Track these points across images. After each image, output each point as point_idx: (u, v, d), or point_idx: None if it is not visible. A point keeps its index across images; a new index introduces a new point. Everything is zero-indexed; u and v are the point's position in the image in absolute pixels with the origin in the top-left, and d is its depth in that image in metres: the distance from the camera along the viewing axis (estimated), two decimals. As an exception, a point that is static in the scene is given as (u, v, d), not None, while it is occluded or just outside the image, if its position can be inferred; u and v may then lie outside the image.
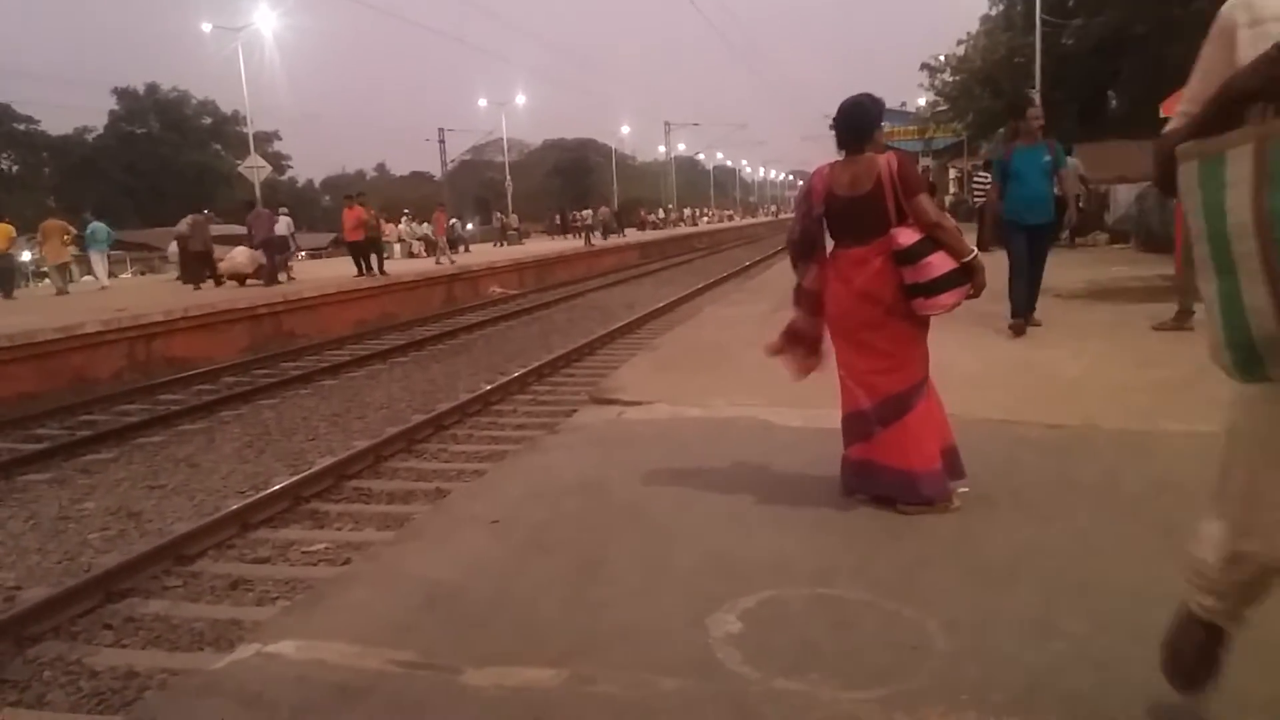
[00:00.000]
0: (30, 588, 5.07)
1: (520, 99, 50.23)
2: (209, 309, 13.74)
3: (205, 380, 11.64)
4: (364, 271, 18.91)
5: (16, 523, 6.25)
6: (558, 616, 2.67)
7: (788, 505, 3.56)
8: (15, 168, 59.22)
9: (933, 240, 3.26)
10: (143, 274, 28.40)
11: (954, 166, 38.47)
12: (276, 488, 6.35)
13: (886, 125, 3.93)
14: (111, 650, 4.28)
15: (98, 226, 20.15)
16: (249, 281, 17.92)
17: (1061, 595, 2.68)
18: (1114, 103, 29.26)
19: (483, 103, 50.72)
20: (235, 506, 5.99)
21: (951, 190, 35.63)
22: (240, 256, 18.16)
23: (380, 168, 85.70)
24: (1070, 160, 15.63)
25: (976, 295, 3.34)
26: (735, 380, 6.10)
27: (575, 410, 6.03)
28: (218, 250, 19.90)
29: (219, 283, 18.18)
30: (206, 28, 28.71)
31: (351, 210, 19.08)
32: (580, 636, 2.53)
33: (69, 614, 4.60)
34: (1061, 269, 9.52)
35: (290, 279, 18.57)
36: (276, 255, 18.01)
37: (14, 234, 19.66)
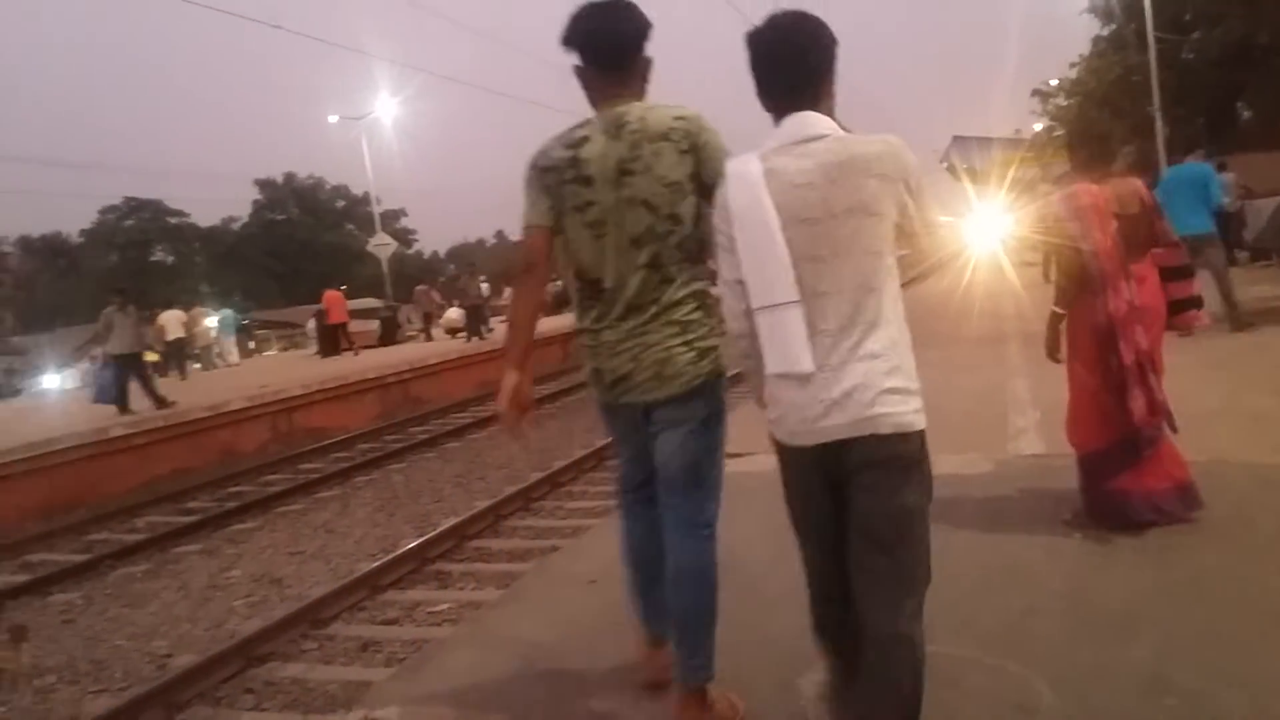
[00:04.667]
0: (180, 655, 5.45)
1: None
2: (341, 381, 14.52)
3: (341, 448, 12.27)
4: (340, 352, 20.26)
5: (170, 593, 6.73)
6: (651, 677, 2.69)
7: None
8: (170, 259, 64.46)
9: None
10: (285, 349, 30.32)
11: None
12: (403, 550, 6.63)
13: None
14: (252, 715, 4.55)
15: (225, 313, 22.55)
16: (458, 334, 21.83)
17: (1179, 646, 2.54)
18: (1244, 115, 27.67)
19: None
20: (366, 570, 6.29)
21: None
22: (454, 314, 22.87)
23: (499, 234, 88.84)
24: (1227, 174, 14.91)
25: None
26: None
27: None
28: (353, 325, 21.56)
29: (429, 337, 22.80)
30: (333, 119, 30.75)
31: (331, 293, 21.07)
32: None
33: (214, 680, 4.90)
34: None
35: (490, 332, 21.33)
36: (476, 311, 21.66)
37: (185, 318, 21.64)
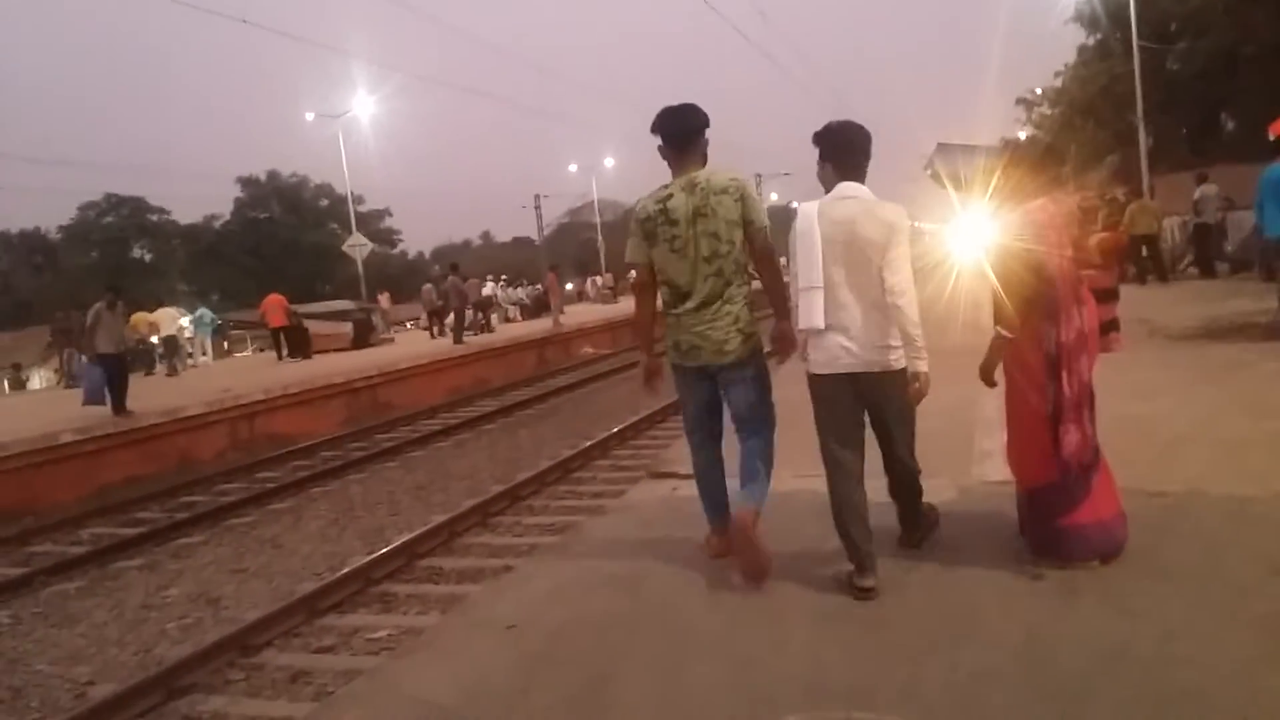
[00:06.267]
0: (102, 683, 5.13)
1: (609, 162, 51.35)
2: (307, 385, 14.17)
3: (301, 456, 11.92)
4: (308, 355, 20.08)
5: (102, 612, 6.40)
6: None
7: (836, 600, 3.23)
8: (149, 256, 63.61)
9: None
10: (260, 350, 29.94)
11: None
12: (347, 570, 6.33)
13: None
14: (160, 754, 4.24)
15: (202, 312, 22.38)
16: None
17: (1141, 714, 2.28)
18: (1228, 125, 27.64)
19: (573, 168, 52.05)
20: (305, 592, 5.99)
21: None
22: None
23: (485, 235, 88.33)
24: (1209, 186, 14.72)
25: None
26: (805, 446, 5.74)
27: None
28: (324, 327, 21.27)
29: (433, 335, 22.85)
30: (309, 117, 30.31)
31: (271, 297, 21.01)
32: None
33: (130, 713, 4.60)
34: (1173, 305, 8.81)
35: (493, 329, 24.29)
36: (485, 311, 24.35)
37: (153, 321, 21.42)
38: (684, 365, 3.73)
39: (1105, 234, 15.63)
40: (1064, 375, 3.29)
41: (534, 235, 48.35)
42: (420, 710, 2.67)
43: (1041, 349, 3.34)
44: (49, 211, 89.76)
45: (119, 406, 11.70)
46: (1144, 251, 15.10)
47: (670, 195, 3.61)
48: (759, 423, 3.74)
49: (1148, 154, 20.08)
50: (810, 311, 3.26)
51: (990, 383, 3.50)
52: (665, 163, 3.74)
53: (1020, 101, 36.42)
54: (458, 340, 19.70)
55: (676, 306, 3.67)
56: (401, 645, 4.19)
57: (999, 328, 3.38)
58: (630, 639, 3.04)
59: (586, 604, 3.39)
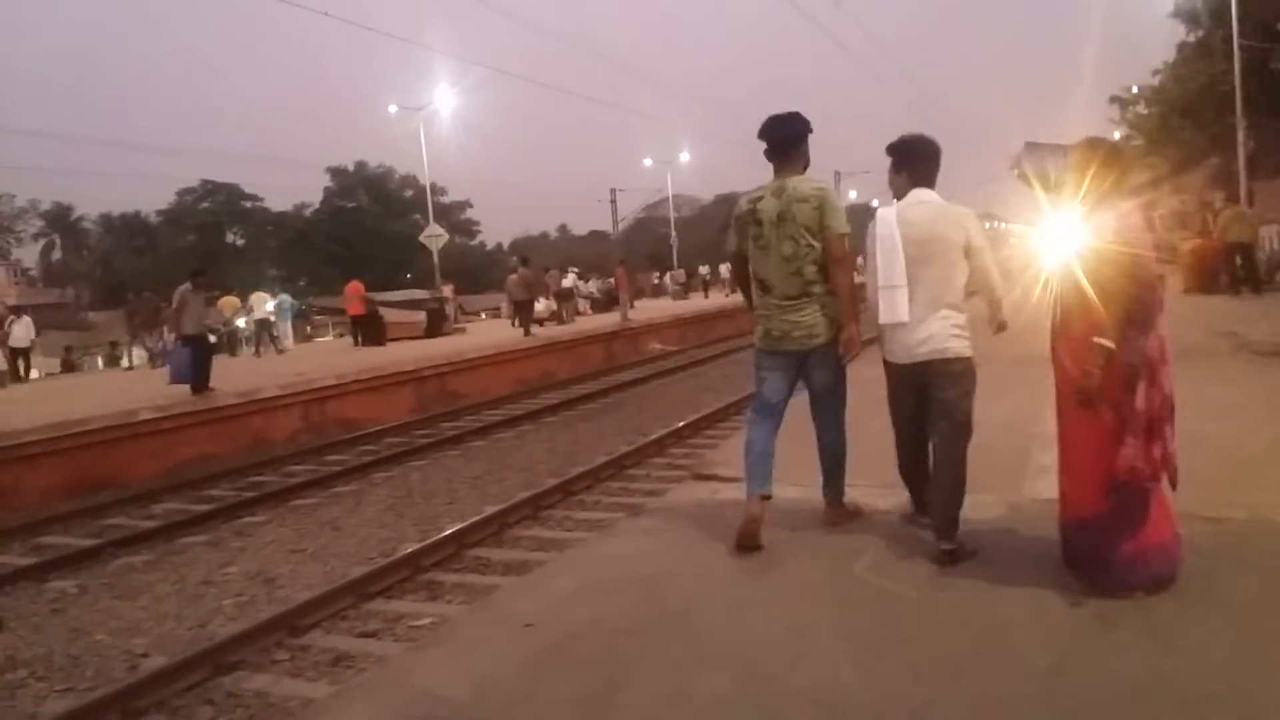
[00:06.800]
0: (156, 656, 5.32)
1: (684, 157, 51.06)
2: (378, 372, 14.49)
3: (368, 441, 12.21)
4: (382, 342, 20.50)
5: (164, 586, 6.64)
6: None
7: (860, 613, 3.14)
8: (241, 241, 65.97)
9: None
10: (340, 336, 30.79)
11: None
12: (398, 556, 6.45)
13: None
14: (203, 729, 4.37)
15: (283, 298, 23.40)
16: (545, 322, 23.61)
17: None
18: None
19: (648, 162, 51.98)
20: (355, 576, 6.12)
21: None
22: (540, 304, 23.94)
23: (562, 228, 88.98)
24: None
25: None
26: (849, 454, 5.61)
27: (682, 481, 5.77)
28: (399, 316, 21.82)
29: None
30: (392, 109, 30.95)
31: (351, 285, 21.62)
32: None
33: (177, 687, 4.76)
34: (1264, 318, 8.34)
35: (573, 320, 24.89)
36: (564, 303, 25.30)
37: (239, 304, 22.47)
38: (773, 350, 4.13)
39: (1198, 240, 14.96)
40: (1141, 387, 3.08)
41: (610, 229, 48.46)
42: (427, 704, 2.68)
43: (1125, 359, 3.09)
44: (148, 196, 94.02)
45: (198, 386, 12.15)
46: (1238, 260, 14.38)
47: (761, 198, 4.06)
48: (836, 401, 4.21)
49: (1247, 158, 19.05)
50: (894, 307, 3.68)
51: (1093, 401, 3.15)
52: (770, 164, 4.12)
53: (1114, 100, 35.01)
54: (527, 332, 19.90)
55: (765, 298, 4.10)
56: (420, 637, 4.23)
57: (1098, 339, 3.07)
58: (646, 644, 3.00)
59: (607, 605, 3.37)
